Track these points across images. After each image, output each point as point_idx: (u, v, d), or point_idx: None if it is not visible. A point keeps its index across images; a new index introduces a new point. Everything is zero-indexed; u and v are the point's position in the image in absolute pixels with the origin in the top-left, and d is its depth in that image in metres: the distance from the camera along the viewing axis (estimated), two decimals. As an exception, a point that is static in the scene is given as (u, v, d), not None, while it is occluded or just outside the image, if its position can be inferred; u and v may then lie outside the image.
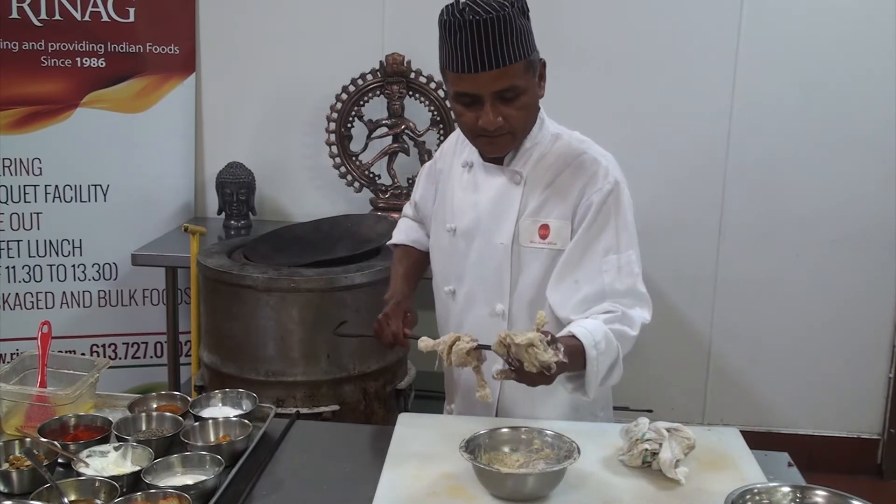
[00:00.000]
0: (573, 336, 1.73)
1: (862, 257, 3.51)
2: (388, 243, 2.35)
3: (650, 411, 2.86)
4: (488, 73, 1.77)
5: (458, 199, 2.04)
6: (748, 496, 1.44)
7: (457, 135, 2.13)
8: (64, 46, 3.51)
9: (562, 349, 1.62)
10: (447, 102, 3.40)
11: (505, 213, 1.94)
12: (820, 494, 1.45)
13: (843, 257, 3.52)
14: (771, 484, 1.50)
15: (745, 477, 1.64)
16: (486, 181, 1.98)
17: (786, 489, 1.47)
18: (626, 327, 1.80)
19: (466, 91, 1.81)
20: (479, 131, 1.85)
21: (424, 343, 1.79)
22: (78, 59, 3.53)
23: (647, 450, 1.67)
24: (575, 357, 1.69)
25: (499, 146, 1.90)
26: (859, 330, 3.57)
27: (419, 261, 2.24)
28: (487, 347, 1.71)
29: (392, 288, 2.14)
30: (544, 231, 1.91)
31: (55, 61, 3.52)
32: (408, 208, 2.34)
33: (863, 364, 3.60)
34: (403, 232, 2.30)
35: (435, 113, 3.45)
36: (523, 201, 1.93)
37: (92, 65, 3.54)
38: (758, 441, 1.82)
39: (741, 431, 1.85)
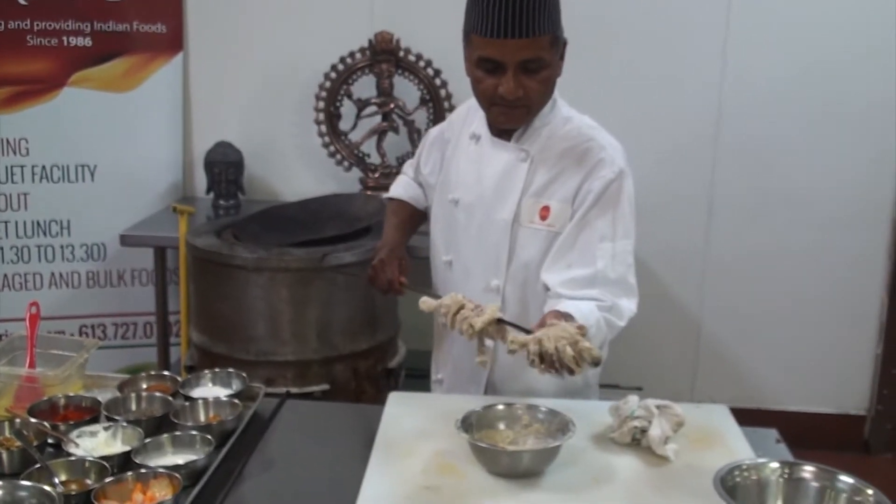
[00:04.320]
0: (568, 315, 1.72)
1: (851, 235, 3.52)
2: (384, 196, 2.38)
3: (640, 389, 2.88)
4: (517, 41, 1.77)
5: (463, 171, 2.04)
6: (737, 472, 1.44)
7: (467, 106, 2.13)
8: (50, 25, 3.47)
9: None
10: (437, 80, 3.40)
11: (509, 190, 1.94)
12: (807, 470, 1.46)
13: (832, 235, 3.52)
14: (759, 460, 1.51)
15: (734, 453, 1.65)
16: (492, 155, 1.98)
17: (774, 465, 1.47)
18: (615, 317, 1.81)
19: (491, 56, 1.81)
20: (496, 99, 1.85)
21: (427, 304, 1.78)
22: (64, 38, 3.49)
23: (636, 427, 1.67)
24: None
25: (513, 117, 1.90)
26: (848, 308, 3.59)
27: (413, 216, 2.26)
28: (511, 324, 1.70)
29: (385, 237, 2.17)
30: (545, 213, 1.91)
31: (41, 40, 3.48)
32: (408, 168, 2.35)
33: (851, 341, 3.62)
34: (402, 187, 2.31)
35: (424, 92, 3.43)
36: (528, 180, 1.93)
37: (78, 44, 3.51)
38: (746, 418, 1.83)
39: (730, 408, 1.86)
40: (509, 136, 1.96)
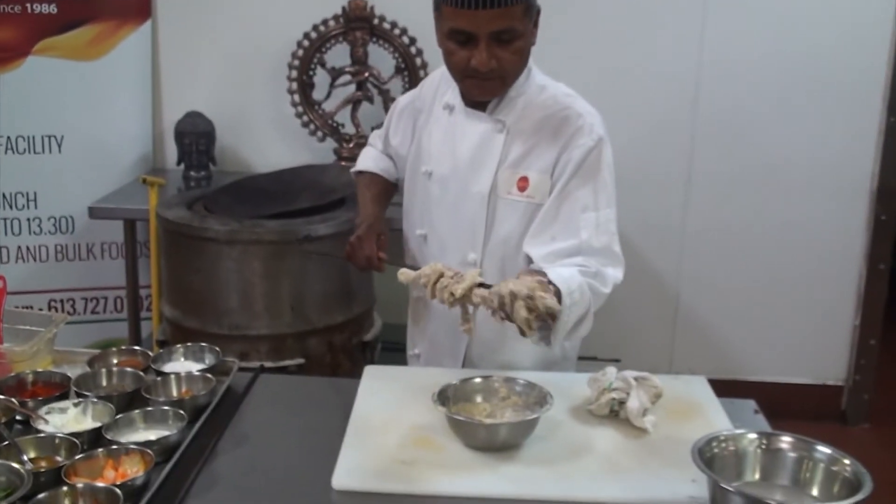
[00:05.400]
0: (549, 282, 1.71)
1: (830, 206, 3.54)
2: (352, 170, 2.32)
3: (618, 361, 2.88)
4: (488, 12, 1.75)
5: (436, 143, 2.02)
6: (714, 443, 1.46)
7: (439, 74, 2.10)
8: (13, -8, 3.42)
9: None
10: (412, 49, 3.38)
11: (484, 162, 1.93)
12: (785, 440, 1.47)
13: (811, 206, 3.54)
14: (737, 431, 1.52)
15: (712, 424, 1.66)
16: (467, 127, 1.97)
17: (752, 436, 1.49)
18: (599, 284, 1.80)
19: (462, 28, 1.79)
20: (469, 72, 1.84)
21: (405, 276, 1.76)
22: (28, 4, 3.43)
23: (614, 399, 1.68)
24: None
25: (488, 90, 1.89)
26: (826, 279, 3.62)
27: (386, 188, 2.23)
28: (490, 286, 1.68)
29: (362, 212, 2.13)
30: (523, 183, 1.90)
31: (4, 7, 3.42)
32: (375, 140, 2.31)
33: (829, 312, 3.65)
34: (371, 159, 2.27)
35: (399, 60, 3.41)
36: (504, 151, 1.92)
37: (43, 11, 3.45)
38: (724, 389, 1.85)
39: (708, 380, 1.87)
40: (484, 107, 1.95)
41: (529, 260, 1.87)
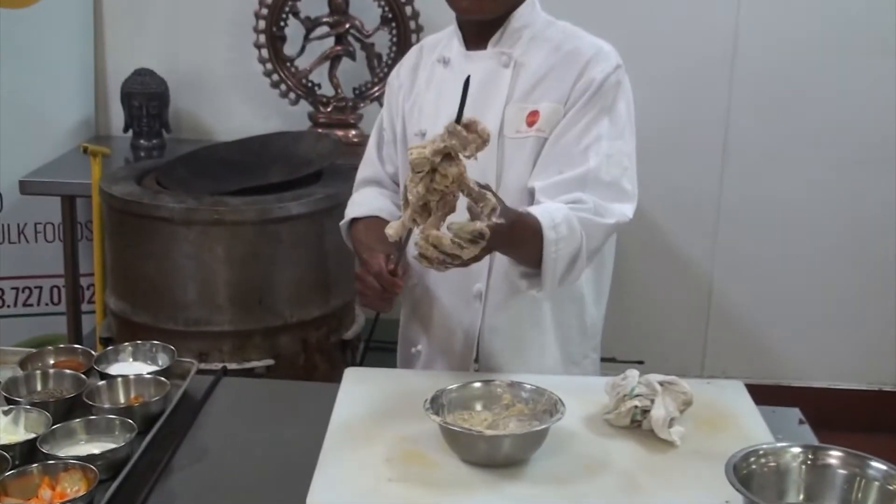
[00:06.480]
0: (528, 213, 1.76)
1: (883, 179, 3.55)
2: (342, 224, 2.22)
3: (641, 363, 2.89)
4: None
5: (430, 101, 2.06)
6: (753, 458, 1.46)
7: (419, 47, 2.17)
8: (-73, -75, 3.41)
9: (496, 210, 1.60)
10: (400, -4, 3.38)
11: (489, 100, 1.96)
12: (835, 455, 1.48)
13: (863, 180, 3.56)
14: (779, 444, 1.53)
15: (750, 436, 1.67)
16: (467, 70, 1.98)
17: (796, 450, 1.50)
18: (597, 217, 1.85)
19: None
20: None
21: (393, 228, 1.67)
22: (-56, -60, 3.43)
23: (636, 407, 1.69)
24: (529, 239, 1.74)
25: (481, 2, 1.92)
26: (881, 265, 3.63)
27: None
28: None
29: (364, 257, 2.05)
30: (532, 118, 1.94)
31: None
32: (362, 170, 2.28)
33: (885, 306, 3.67)
34: (364, 200, 2.21)
35: (386, 9, 3.41)
36: (511, 86, 1.96)
37: (-38, -53, 3.44)
38: (765, 395, 1.86)
39: (745, 385, 1.88)
40: (485, 45, 1.99)
41: (532, 195, 1.90)
